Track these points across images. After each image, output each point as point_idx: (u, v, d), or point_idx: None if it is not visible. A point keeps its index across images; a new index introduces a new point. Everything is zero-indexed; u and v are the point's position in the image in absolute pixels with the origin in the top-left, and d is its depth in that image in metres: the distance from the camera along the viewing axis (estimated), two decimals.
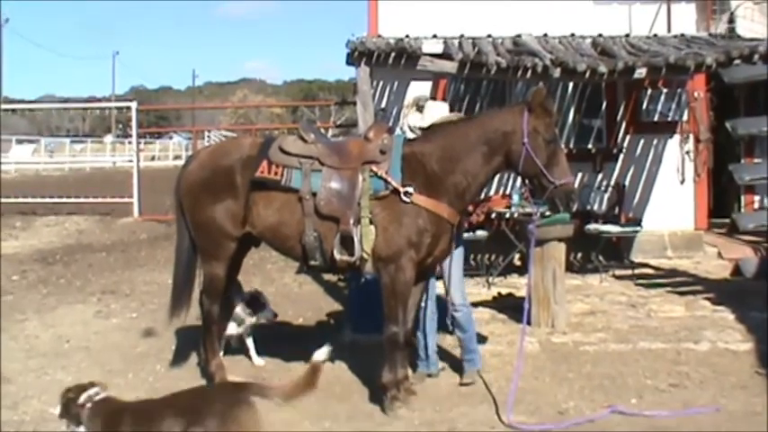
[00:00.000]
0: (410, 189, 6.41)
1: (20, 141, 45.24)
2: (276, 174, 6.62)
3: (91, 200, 19.13)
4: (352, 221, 6.47)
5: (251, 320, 8.12)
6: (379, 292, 6.62)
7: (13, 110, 28.04)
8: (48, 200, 19.30)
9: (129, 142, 21.85)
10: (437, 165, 6.54)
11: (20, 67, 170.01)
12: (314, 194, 6.54)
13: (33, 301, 10.77)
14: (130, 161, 19.24)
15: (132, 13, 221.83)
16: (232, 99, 75.30)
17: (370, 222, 6.46)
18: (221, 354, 7.86)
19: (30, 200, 19.42)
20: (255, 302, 8.16)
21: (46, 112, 53.68)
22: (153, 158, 49.82)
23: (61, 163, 42.14)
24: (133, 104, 19.30)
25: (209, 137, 36.26)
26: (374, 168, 6.52)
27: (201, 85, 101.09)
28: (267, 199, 6.69)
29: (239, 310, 8.02)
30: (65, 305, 10.54)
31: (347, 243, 6.50)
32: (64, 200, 19.16)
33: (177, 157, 48.20)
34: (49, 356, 8.28)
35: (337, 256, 6.53)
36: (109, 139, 57.90)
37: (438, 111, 7.40)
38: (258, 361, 8.02)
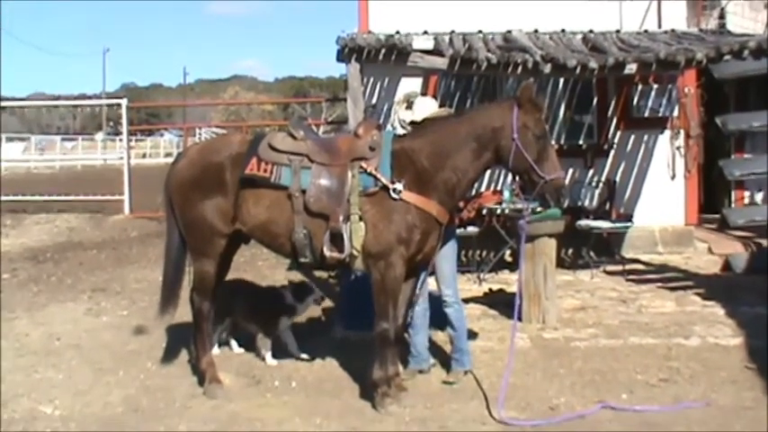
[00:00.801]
0: (399, 186, 6.41)
1: (10, 139, 45.13)
2: (266, 171, 6.59)
3: (81, 197, 19.10)
4: (341, 218, 6.45)
5: (302, 308, 8.13)
6: (370, 288, 6.61)
7: (3, 107, 27.88)
8: (38, 198, 19.26)
9: (121, 140, 21.79)
10: (427, 161, 6.53)
11: (10, 65, 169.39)
12: (303, 191, 6.51)
13: (24, 299, 10.75)
14: (121, 158, 19.17)
15: (122, 11, 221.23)
16: (223, 96, 75.09)
17: (360, 219, 6.44)
18: (215, 349, 7.89)
19: (20, 198, 19.36)
20: (301, 289, 8.14)
21: (36, 110, 53.46)
22: (144, 156, 49.78)
23: (52, 161, 42.03)
24: (123, 102, 19.25)
25: (200, 134, 36.20)
26: (363, 165, 6.50)
27: (193, 83, 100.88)
28: (257, 196, 6.66)
29: (289, 300, 8.02)
30: (55, 303, 10.51)
31: (337, 240, 6.49)
32: (54, 198, 19.13)
33: (168, 155, 48.09)
34: (40, 355, 8.26)
35: (327, 253, 6.51)
36: (100, 136, 57.71)
37: (428, 106, 7.40)
38: (301, 354, 7.98)
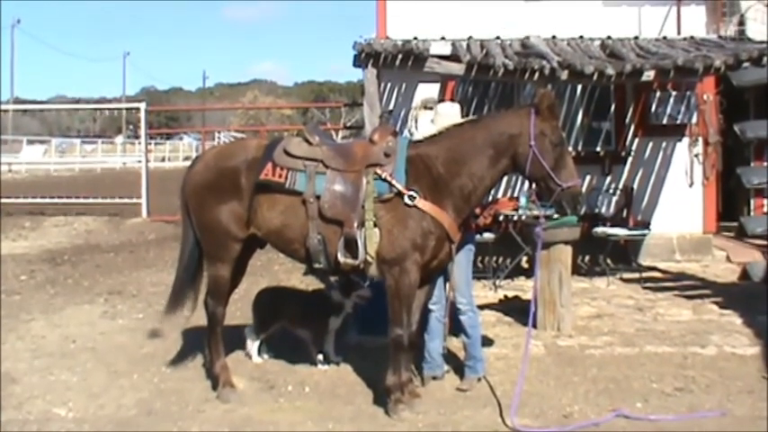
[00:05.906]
0: (413, 193, 6.40)
1: (31, 142, 45.46)
2: (280, 176, 6.59)
3: (100, 200, 19.24)
4: (356, 224, 6.44)
5: (349, 303, 8.01)
6: (384, 294, 6.60)
7: (24, 110, 28.12)
8: (57, 200, 19.39)
9: (140, 143, 21.93)
10: (443, 167, 6.51)
11: (31, 68, 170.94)
12: (318, 197, 6.52)
13: (41, 301, 10.80)
14: (140, 162, 19.28)
15: (142, 15, 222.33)
16: (242, 100, 75.31)
17: (375, 225, 6.44)
18: (257, 357, 7.95)
19: (39, 200, 19.51)
20: (348, 283, 7.97)
21: (57, 113, 53.95)
22: (163, 159, 50.02)
23: (72, 163, 42.31)
24: (142, 105, 19.38)
25: (219, 138, 36.33)
26: (378, 171, 6.49)
27: (212, 87, 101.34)
28: (271, 201, 6.67)
29: (336, 297, 7.99)
30: (72, 305, 10.56)
31: (351, 246, 6.48)
32: (73, 200, 19.26)
33: (187, 158, 48.23)
34: (55, 357, 8.29)
35: (341, 259, 6.50)
36: (120, 139, 58.23)
37: (449, 116, 7.30)
38: (337, 359, 8.01)
